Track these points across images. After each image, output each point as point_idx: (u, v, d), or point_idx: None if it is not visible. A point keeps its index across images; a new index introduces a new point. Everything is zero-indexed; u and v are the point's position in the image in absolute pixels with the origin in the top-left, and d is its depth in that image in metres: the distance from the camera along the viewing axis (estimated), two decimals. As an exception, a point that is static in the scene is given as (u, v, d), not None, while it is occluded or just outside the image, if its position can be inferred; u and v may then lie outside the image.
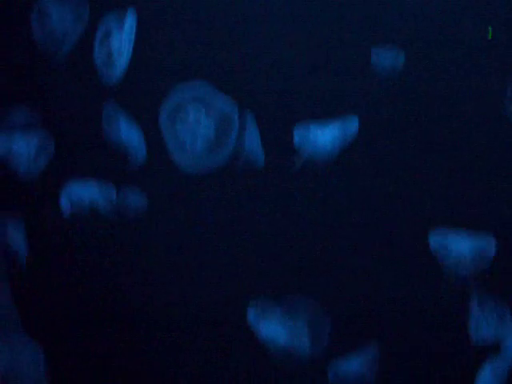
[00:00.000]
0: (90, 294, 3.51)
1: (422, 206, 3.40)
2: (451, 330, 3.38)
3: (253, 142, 3.27)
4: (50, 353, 3.35)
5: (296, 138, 3.30)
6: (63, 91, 3.47)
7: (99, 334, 3.51)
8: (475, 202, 3.38)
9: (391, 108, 3.40)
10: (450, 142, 3.40)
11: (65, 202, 3.34)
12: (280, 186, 3.43)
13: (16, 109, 3.38)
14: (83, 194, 3.34)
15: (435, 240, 3.26)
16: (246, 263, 3.46)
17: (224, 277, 3.48)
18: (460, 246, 3.24)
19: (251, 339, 3.31)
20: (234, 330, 3.36)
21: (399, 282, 3.43)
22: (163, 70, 3.42)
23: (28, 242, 3.40)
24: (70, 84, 3.46)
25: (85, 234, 3.43)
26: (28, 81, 3.48)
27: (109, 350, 3.51)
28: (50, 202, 3.38)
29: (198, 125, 3.20)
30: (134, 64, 3.33)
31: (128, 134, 3.30)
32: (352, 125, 3.32)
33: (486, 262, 3.24)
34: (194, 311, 3.50)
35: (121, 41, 3.25)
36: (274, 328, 3.30)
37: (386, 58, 3.34)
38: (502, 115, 3.31)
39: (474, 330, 3.28)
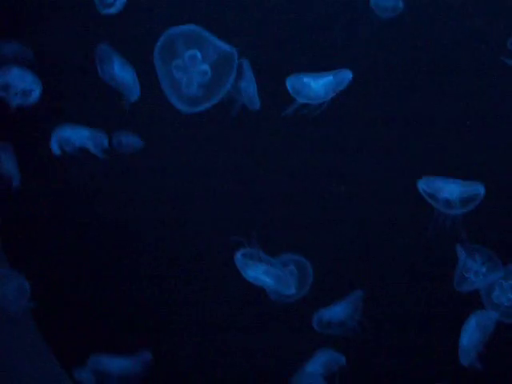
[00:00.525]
0: (79, 225, 3.52)
1: (413, 152, 3.42)
2: (438, 277, 3.42)
3: (249, 86, 3.27)
4: (36, 285, 3.36)
5: (290, 86, 3.30)
6: (58, 29, 3.45)
7: (86, 267, 3.53)
8: (465, 150, 3.41)
9: (386, 57, 3.40)
10: (444, 90, 3.42)
11: (55, 146, 3.34)
12: (274, 129, 3.44)
13: (9, 43, 3.36)
14: (73, 139, 3.34)
15: (425, 185, 3.27)
16: (236, 204, 3.49)
17: (214, 216, 3.50)
18: (449, 191, 3.25)
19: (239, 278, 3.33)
20: (223, 269, 3.38)
21: (387, 230, 3.46)
22: (160, 9, 3.41)
23: (20, 172, 3.40)
24: (66, 21, 3.44)
25: (77, 170, 3.44)
26: (23, 16, 3.45)
27: (95, 283, 3.53)
28: (42, 137, 3.37)
29: (194, 64, 3.18)
30: (131, 2, 3.31)
31: (122, 73, 3.29)
32: (346, 76, 3.32)
33: (474, 205, 3.26)
34: (185, 248, 3.53)
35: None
36: (259, 276, 3.32)
37: (386, 5, 3.34)
38: (502, 62, 3.32)
39: (461, 278, 3.31)
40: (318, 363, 3.45)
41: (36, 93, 3.31)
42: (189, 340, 3.58)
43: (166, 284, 3.54)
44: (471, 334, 3.38)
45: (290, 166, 3.49)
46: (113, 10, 3.25)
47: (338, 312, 3.41)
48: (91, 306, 3.54)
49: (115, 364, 3.35)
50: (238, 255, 3.28)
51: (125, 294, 3.56)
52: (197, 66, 3.19)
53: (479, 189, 3.23)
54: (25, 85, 3.29)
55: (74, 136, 3.32)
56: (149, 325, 3.56)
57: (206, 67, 3.19)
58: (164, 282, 3.54)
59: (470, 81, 3.40)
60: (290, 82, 3.29)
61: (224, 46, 3.17)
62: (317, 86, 3.30)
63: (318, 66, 3.30)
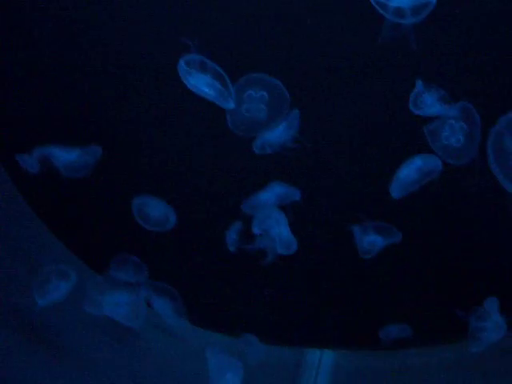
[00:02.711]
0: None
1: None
2: (389, 97, 3.33)
3: None
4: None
5: None
6: None
7: (39, 54, 3.52)
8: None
9: None
10: None
11: None
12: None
13: None
14: None
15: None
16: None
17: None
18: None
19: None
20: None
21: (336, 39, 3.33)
22: None
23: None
24: None
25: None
26: None
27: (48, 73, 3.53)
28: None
29: None
30: None
31: None
32: None
33: (425, 13, 3.06)
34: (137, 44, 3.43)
35: None
36: (200, 86, 3.31)
37: None
38: None
39: (414, 104, 3.18)
40: (271, 193, 3.43)
41: None
42: (138, 144, 3.54)
43: (117, 79, 3.43)
44: (412, 171, 3.28)
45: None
46: None
47: (277, 134, 3.37)
48: (41, 96, 3.49)
49: (62, 154, 3.30)
50: (182, 61, 3.14)
51: (75, 89, 3.56)
52: None
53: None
54: None
55: None
56: (99, 122, 3.49)
57: None
58: (115, 78, 3.42)
59: None
60: None
61: None
62: None
63: None
